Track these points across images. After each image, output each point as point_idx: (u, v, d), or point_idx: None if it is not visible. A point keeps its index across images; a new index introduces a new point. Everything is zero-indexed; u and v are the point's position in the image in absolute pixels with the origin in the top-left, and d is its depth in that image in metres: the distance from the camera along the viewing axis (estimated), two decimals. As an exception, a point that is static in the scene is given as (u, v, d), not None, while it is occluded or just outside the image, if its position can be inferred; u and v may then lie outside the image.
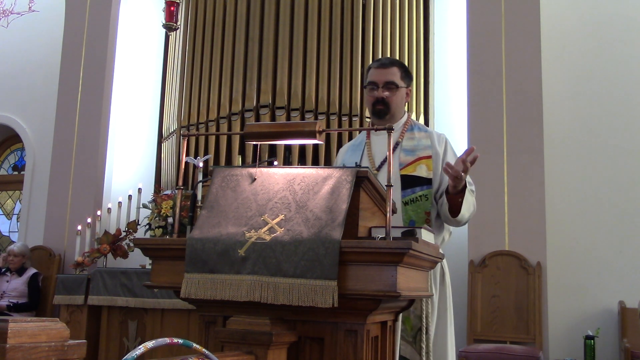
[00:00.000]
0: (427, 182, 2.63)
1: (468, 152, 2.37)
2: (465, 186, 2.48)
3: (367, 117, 5.66)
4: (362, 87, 5.71)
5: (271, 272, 1.71)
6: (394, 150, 2.66)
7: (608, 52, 5.55)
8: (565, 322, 5.16)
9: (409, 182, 2.59)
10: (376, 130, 2.01)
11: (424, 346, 2.40)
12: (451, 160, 2.68)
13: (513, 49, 5.43)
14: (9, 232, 7.61)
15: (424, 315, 2.44)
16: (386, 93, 2.68)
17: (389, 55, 5.73)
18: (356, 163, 2.70)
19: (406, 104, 2.83)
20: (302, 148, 5.66)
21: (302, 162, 5.62)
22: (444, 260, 2.65)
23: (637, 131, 5.40)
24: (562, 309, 5.18)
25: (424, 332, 2.42)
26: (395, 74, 2.71)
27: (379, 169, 2.67)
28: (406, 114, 2.83)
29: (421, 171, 2.64)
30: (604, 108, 5.48)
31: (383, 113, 2.70)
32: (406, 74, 2.77)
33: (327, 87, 5.76)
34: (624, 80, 5.48)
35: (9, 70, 7.47)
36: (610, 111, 5.46)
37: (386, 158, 2.68)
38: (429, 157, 2.67)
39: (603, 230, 5.28)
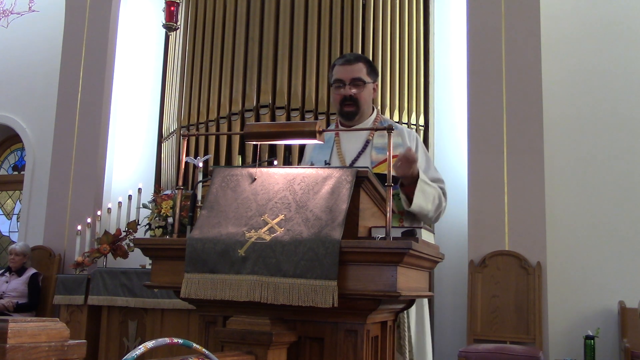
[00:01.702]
0: (398, 179, 2.57)
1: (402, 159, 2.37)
2: (417, 178, 2.44)
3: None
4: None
5: (271, 272, 1.71)
6: (364, 148, 2.65)
7: (608, 52, 5.55)
8: (565, 322, 5.16)
9: (381, 180, 2.55)
10: (376, 130, 2.00)
11: (405, 344, 2.36)
12: (422, 158, 2.66)
13: (513, 49, 5.43)
14: (9, 232, 7.61)
15: (404, 313, 2.38)
16: (353, 90, 2.63)
17: (388, 56, 5.74)
18: (325, 161, 2.68)
19: (374, 100, 2.79)
20: (302, 148, 5.65)
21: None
22: None
23: (637, 131, 5.40)
24: (562, 309, 5.18)
25: (406, 330, 2.38)
26: (361, 70, 2.66)
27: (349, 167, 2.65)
28: (375, 109, 2.78)
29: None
30: (604, 108, 5.48)
31: (352, 114, 2.67)
32: (372, 69, 2.72)
33: (327, 87, 5.76)
34: (624, 80, 5.48)
35: (9, 70, 7.47)
36: (610, 111, 5.46)
37: (358, 156, 2.66)
38: None
39: (603, 230, 5.28)
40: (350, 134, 2.70)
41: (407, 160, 2.36)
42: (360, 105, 2.66)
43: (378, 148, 2.64)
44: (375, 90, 2.75)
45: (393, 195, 2.51)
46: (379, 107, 5.42)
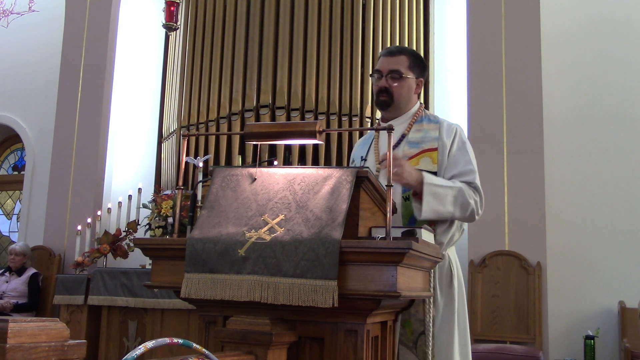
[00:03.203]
0: None
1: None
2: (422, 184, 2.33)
3: (367, 117, 5.67)
4: (362, 86, 5.74)
5: (271, 272, 1.71)
6: (399, 142, 2.56)
7: (608, 52, 5.55)
8: (565, 322, 5.16)
9: None
10: (376, 130, 1.98)
11: (428, 351, 2.29)
12: (456, 151, 2.53)
13: (513, 49, 5.43)
14: (9, 232, 7.61)
15: (427, 319, 2.31)
16: (390, 83, 2.56)
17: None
18: (362, 157, 2.64)
19: (418, 95, 2.68)
20: (302, 148, 5.66)
21: (302, 162, 5.62)
22: (456, 262, 2.54)
23: (637, 131, 5.40)
24: (562, 309, 5.18)
25: (430, 337, 2.30)
26: (401, 63, 2.58)
27: (382, 162, 2.54)
28: (418, 103, 2.68)
29: (425, 164, 2.50)
30: (604, 108, 5.48)
31: (386, 104, 2.58)
32: (416, 63, 2.62)
33: (327, 87, 5.76)
34: (624, 80, 5.48)
35: (9, 70, 7.46)
36: (610, 111, 5.46)
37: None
38: (435, 149, 2.52)
39: (603, 230, 5.28)
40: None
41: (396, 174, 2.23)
42: (395, 98, 2.57)
43: (412, 142, 2.55)
44: (419, 85, 2.64)
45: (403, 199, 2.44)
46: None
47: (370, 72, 2.72)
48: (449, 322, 2.45)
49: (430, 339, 2.31)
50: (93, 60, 6.75)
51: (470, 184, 2.49)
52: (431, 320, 2.32)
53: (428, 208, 2.34)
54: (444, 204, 2.38)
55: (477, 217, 2.51)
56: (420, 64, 2.66)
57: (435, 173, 2.47)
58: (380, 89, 2.58)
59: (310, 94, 5.75)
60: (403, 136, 2.59)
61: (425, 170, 2.44)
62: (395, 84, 2.57)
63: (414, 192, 2.39)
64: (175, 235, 2.08)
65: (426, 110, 2.70)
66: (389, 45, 5.77)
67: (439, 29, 6.01)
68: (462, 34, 5.69)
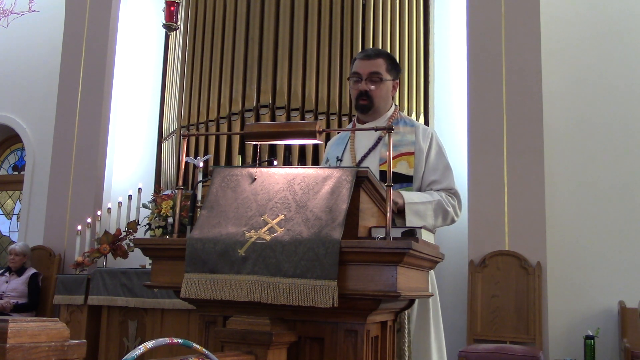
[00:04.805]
0: (407, 179, 2.55)
1: None
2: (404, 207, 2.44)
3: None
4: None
5: (271, 272, 1.71)
6: (376, 145, 2.62)
7: (608, 52, 5.55)
8: (565, 322, 5.16)
9: (385, 178, 2.44)
10: (376, 130, 1.98)
11: (404, 348, 2.31)
12: (434, 156, 2.61)
13: (513, 48, 5.43)
14: (9, 232, 7.61)
15: (403, 316, 2.32)
16: (371, 86, 2.60)
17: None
18: (337, 157, 2.67)
19: (393, 97, 2.75)
20: (302, 148, 5.66)
21: (302, 162, 5.62)
22: None
23: (637, 131, 5.40)
24: (562, 309, 5.18)
25: (405, 334, 2.32)
26: (380, 66, 2.62)
27: (359, 164, 2.59)
28: (393, 106, 2.74)
29: (402, 168, 2.56)
30: (604, 107, 5.48)
31: (366, 108, 2.63)
32: (393, 65, 2.67)
33: (327, 87, 5.76)
34: (624, 80, 5.48)
35: (9, 70, 7.47)
36: (610, 111, 5.46)
37: (368, 152, 2.62)
38: (412, 153, 2.59)
39: (603, 230, 5.28)
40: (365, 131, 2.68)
41: None
42: (375, 102, 2.62)
43: None
44: (395, 87, 2.70)
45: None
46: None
47: (348, 76, 2.74)
48: (424, 318, 2.49)
49: (406, 335, 2.34)
50: (93, 60, 6.75)
51: (449, 190, 2.59)
52: (406, 317, 2.34)
53: (410, 223, 2.42)
54: (425, 218, 2.48)
55: (456, 219, 2.62)
56: (397, 67, 2.72)
57: (411, 177, 2.57)
58: (360, 93, 2.62)
59: (310, 94, 5.75)
60: (380, 138, 2.64)
61: (401, 173, 2.55)
62: (375, 88, 2.61)
63: (398, 210, 2.46)
64: (175, 235, 2.07)
65: (401, 113, 2.76)
66: (389, 45, 5.78)
67: (439, 29, 6.01)
68: (462, 34, 5.69)
